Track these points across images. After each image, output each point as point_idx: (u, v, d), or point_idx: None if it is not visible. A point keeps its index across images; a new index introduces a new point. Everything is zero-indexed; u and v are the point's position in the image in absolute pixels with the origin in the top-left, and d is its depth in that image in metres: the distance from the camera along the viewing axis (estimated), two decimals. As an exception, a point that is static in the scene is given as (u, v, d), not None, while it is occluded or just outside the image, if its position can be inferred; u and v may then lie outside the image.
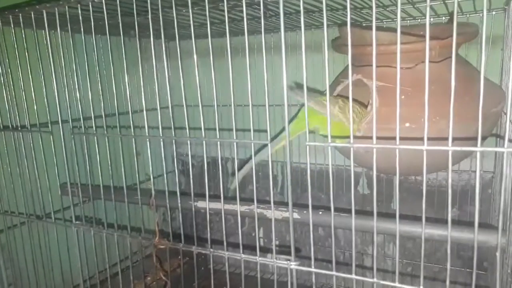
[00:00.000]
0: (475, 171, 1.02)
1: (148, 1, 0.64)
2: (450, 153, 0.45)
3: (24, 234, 0.98)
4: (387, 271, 1.29)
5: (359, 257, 1.33)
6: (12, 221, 0.98)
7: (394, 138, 0.49)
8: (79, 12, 0.70)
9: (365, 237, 1.31)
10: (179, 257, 0.73)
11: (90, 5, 0.69)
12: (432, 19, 1.02)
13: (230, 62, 0.60)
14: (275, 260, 0.61)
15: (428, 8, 0.47)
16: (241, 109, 0.73)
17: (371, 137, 0.51)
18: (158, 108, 0.68)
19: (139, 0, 0.66)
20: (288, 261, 0.59)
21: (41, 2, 0.75)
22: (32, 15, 0.76)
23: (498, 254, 0.45)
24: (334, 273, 0.56)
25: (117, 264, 0.83)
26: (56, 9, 0.72)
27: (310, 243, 0.58)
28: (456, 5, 0.46)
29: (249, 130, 0.60)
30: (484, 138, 0.84)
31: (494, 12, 0.96)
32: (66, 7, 0.71)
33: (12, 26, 0.82)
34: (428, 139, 0.47)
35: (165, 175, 0.71)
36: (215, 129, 0.64)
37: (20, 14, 0.78)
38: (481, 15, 0.90)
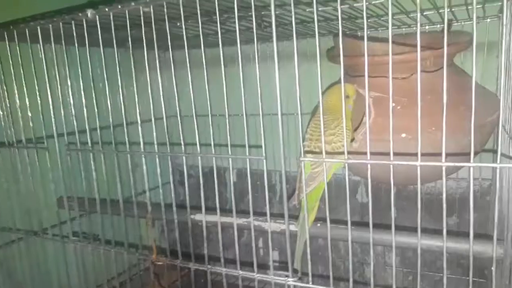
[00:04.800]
0: (474, 179, 1.01)
1: (141, 15, 0.64)
2: (444, 168, 0.45)
3: (22, 249, 0.97)
4: (387, 284, 1.28)
5: (359, 267, 1.32)
6: (9, 237, 0.97)
7: (389, 152, 0.49)
8: (73, 28, 0.71)
9: (365, 246, 1.30)
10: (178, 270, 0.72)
11: (84, 21, 0.69)
12: (427, 27, 1.02)
13: (223, 74, 0.59)
14: (273, 276, 0.61)
15: (418, 22, 0.47)
16: (238, 118, 0.73)
17: (366, 152, 0.50)
18: (153, 120, 0.68)
19: (133, 14, 0.66)
20: (286, 277, 0.59)
21: (35, 18, 0.75)
22: (27, 31, 0.76)
23: (493, 268, 0.45)
24: (331, 288, 0.56)
25: (115, 278, 0.82)
26: (51, 25, 0.72)
27: (309, 254, 0.58)
28: (446, 17, 0.46)
29: (245, 146, 0.59)
30: (477, 152, 0.84)
31: (488, 20, 0.96)
32: (60, 23, 0.71)
33: (7, 41, 0.82)
34: (423, 154, 0.47)
35: (160, 190, 0.71)
36: (210, 145, 0.64)
37: (15, 31, 0.78)
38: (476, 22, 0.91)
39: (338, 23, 0.51)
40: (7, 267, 1.00)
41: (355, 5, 0.75)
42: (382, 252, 1.26)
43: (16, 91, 0.85)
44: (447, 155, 0.45)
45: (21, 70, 0.81)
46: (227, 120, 0.60)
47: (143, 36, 0.64)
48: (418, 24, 0.48)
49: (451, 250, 0.60)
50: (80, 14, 0.69)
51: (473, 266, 0.47)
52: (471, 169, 0.45)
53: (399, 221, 1.23)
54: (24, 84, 0.82)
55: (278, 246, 1.43)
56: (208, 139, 0.64)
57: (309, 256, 0.57)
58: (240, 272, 0.64)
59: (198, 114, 0.64)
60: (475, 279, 1.08)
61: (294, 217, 0.73)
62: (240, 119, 0.73)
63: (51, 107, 0.79)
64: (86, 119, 0.75)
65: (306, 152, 0.72)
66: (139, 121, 0.69)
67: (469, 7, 0.88)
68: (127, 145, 0.71)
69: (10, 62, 0.83)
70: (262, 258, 1.48)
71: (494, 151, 0.93)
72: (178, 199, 1.49)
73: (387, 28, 1.09)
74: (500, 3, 0.86)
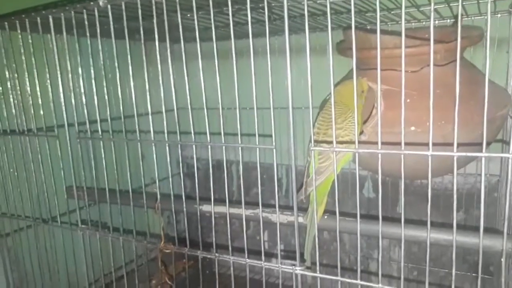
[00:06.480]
0: (481, 175, 1.01)
1: (154, 6, 0.64)
2: (455, 158, 0.45)
3: (30, 237, 0.98)
4: (392, 276, 1.28)
5: (364, 261, 1.32)
6: (18, 224, 0.98)
7: (399, 143, 0.49)
8: (85, 17, 0.71)
9: (371, 240, 1.30)
10: (184, 260, 0.73)
11: (96, 10, 0.69)
12: (437, 22, 1.02)
13: (235, 66, 0.60)
14: (280, 265, 0.61)
15: (432, 13, 0.47)
16: (247, 111, 0.73)
17: (376, 142, 0.50)
18: (164, 111, 0.69)
19: (144, 5, 0.66)
20: (293, 266, 0.59)
21: (47, 7, 0.76)
22: (39, 20, 0.77)
23: (503, 260, 0.45)
24: (339, 278, 0.56)
25: (123, 267, 0.83)
26: (62, 14, 0.73)
27: (315, 247, 0.58)
28: (460, 8, 0.46)
29: (254, 135, 0.60)
30: (489, 143, 0.84)
31: (499, 15, 0.95)
32: (72, 12, 0.72)
33: (19, 31, 0.82)
34: (433, 144, 0.47)
35: (170, 180, 0.71)
36: (220, 133, 0.64)
37: (27, 20, 0.78)
38: (486, 17, 0.90)
39: (348, 16, 0.51)
40: (16, 254, 1.02)
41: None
42: (388, 246, 1.26)
43: (27, 80, 0.85)
44: (458, 145, 0.45)
45: (33, 59, 0.82)
46: (237, 110, 0.60)
47: (155, 27, 0.64)
48: (432, 16, 0.48)
49: (459, 244, 0.60)
50: (92, 3, 0.69)
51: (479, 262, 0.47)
52: (483, 159, 0.45)
53: (406, 216, 1.23)
54: (35, 74, 0.83)
55: (284, 240, 1.44)
56: (216, 132, 0.64)
57: (317, 246, 0.58)
58: (248, 260, 0.64)
59: (208, 107, 0.64)
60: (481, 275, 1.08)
61: (300, 209, 0.73)
62: (248, 112, 0.73)
63: (61, 96, 0.79)
64: (96, 108, 0.75)
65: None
66: (149, 111, 0.69)
67: (481, 1, 0.88)
68: (138, 134, 0.72)
69: (22, 51, 0.83)
70: (268, 251, 1.49)
71: (505, 142, 0.93)
72: (184, 191, 1.50)
73: (397, 22, 1.09)
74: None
